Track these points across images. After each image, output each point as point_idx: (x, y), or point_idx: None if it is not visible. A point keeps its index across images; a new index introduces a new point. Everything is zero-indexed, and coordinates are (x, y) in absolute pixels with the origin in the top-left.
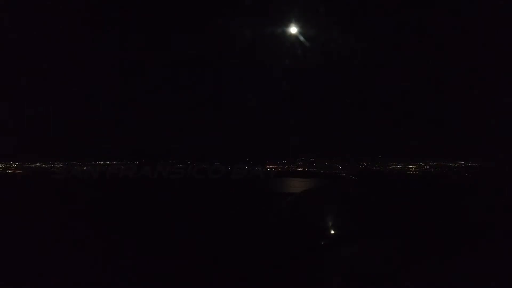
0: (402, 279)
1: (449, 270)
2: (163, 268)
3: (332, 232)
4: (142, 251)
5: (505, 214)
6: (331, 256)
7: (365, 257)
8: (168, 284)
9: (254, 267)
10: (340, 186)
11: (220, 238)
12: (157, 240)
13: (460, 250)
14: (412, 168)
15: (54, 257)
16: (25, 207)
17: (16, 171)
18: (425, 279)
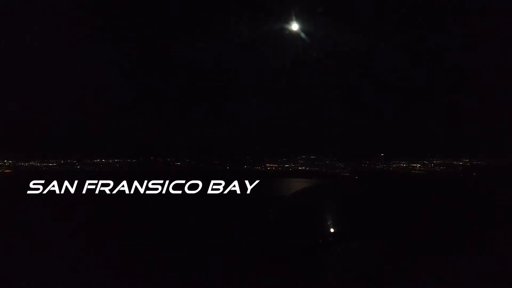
0: (401, 279)
1: (449, 270)
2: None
3: (331, 230)
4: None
5: (506, 214)
6: (329, 255)
7: (363, 256)
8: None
9: (251, 267)
10: (339, 185)
11: (215, 239)
12: (150, 239)
13: (460, 250)
14: (416, 166)
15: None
16: None
17: (6, 171)
18: (424, 279)
